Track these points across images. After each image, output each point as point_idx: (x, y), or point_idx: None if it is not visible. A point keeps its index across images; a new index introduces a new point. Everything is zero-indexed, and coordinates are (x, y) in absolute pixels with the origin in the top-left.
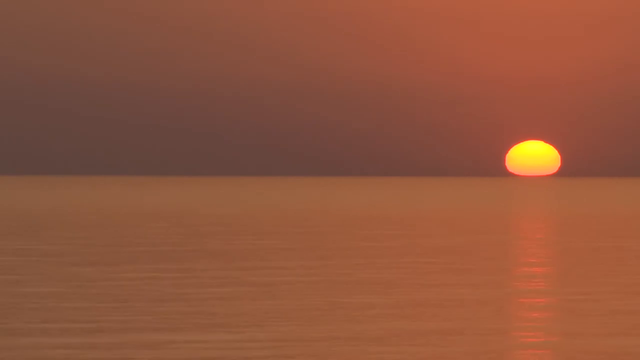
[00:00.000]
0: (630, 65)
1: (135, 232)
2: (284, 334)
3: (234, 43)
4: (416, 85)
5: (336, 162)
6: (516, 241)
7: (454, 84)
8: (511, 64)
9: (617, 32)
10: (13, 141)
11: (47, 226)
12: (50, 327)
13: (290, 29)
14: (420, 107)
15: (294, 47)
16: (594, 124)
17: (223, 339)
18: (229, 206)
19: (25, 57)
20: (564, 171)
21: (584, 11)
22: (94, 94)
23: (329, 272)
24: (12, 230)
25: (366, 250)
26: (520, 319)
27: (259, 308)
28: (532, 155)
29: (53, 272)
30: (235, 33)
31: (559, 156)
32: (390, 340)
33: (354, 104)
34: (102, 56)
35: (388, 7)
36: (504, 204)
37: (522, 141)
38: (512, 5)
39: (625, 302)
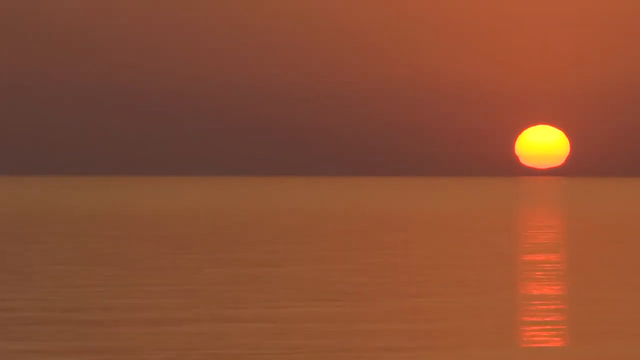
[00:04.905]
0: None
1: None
2: None
3: (234, 43)
4: (415, 83)
5: (336, 163)
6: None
7: (456, 80)
8: (514, 56)
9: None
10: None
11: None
12: None
13: (291, 30)
14: (420, 105)
15: (295, 47)
16: (600, 108)
17: None
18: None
19: (25, 57)
20: (574, 159)
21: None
22: (94, 94)
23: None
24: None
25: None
26: None
27: None
28: (542, 144)
29: None
30: (236, 33)
31: (568, 142)
32: None
33: (354, 104)
34: (101, 56)
35: (388, 7)
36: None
37: (530, 126)
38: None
39: None
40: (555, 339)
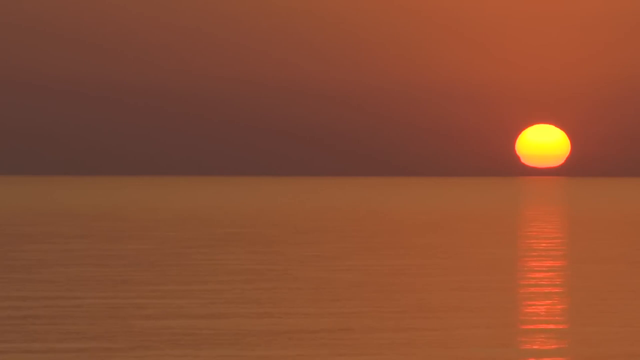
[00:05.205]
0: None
1: None
2: None
3: (234, 43)
4: (415, 83)
5: (335, 162)
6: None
7: (456, 80)
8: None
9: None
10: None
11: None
12: None
13: (291, 29)
14: (420, 105)
15: (295, 46)
16: (601, 108)
17: None
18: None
19: (26, 57)
20: (574, 158)
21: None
22: (94, 94)
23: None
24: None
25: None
26: None
27: None
28: (542, 143)
29: None
30: (235, 33)
31: (568, 142)
32: None
33: (354, 104)
34: (102, 55)
35: (389, 7)
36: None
37: (530, 125)
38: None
39: None
40: (557, 346)
